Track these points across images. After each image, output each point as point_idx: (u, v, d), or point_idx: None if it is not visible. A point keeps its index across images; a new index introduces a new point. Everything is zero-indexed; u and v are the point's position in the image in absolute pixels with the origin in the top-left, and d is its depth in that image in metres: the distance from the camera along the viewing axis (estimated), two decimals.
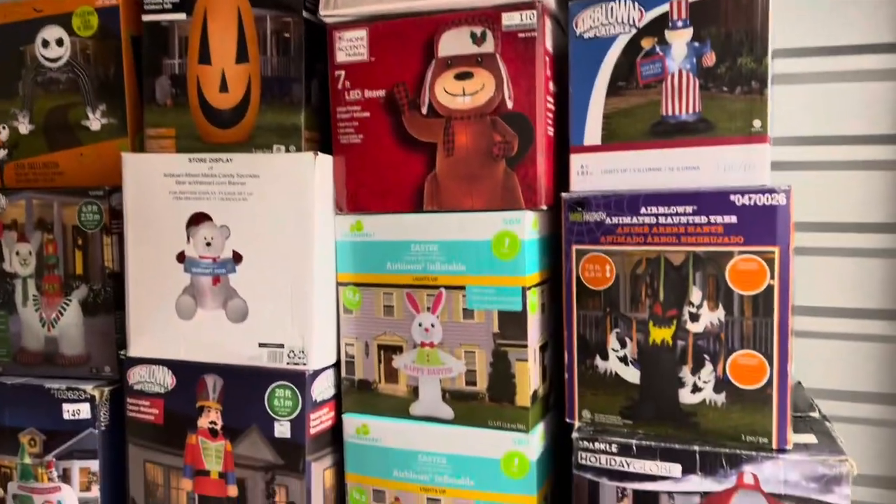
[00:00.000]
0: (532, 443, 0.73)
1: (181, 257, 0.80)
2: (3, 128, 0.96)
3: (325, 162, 0.78)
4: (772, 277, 0.64)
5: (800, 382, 0.84)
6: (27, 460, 0.85)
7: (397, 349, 0.78)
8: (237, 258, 0.79)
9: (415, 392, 0.78)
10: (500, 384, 0.74)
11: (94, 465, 0.84)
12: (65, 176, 0.94)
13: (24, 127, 0.95)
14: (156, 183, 0.81)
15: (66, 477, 0.85)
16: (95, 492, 0.85)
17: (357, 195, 0.79)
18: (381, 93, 0.77)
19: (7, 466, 0.86)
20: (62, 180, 0.94)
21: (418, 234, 0.76)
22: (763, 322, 0.64)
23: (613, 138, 0.71)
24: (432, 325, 0.76)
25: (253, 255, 0.78)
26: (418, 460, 0.77)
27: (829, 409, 0.80)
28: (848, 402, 0.90)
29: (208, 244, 0.79)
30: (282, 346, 0.78)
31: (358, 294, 0.80)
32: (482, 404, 0.75)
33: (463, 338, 0.75)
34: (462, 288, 0.75)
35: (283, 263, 0.77)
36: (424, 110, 0.75)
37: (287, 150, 0.81)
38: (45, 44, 0.93)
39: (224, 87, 0.83)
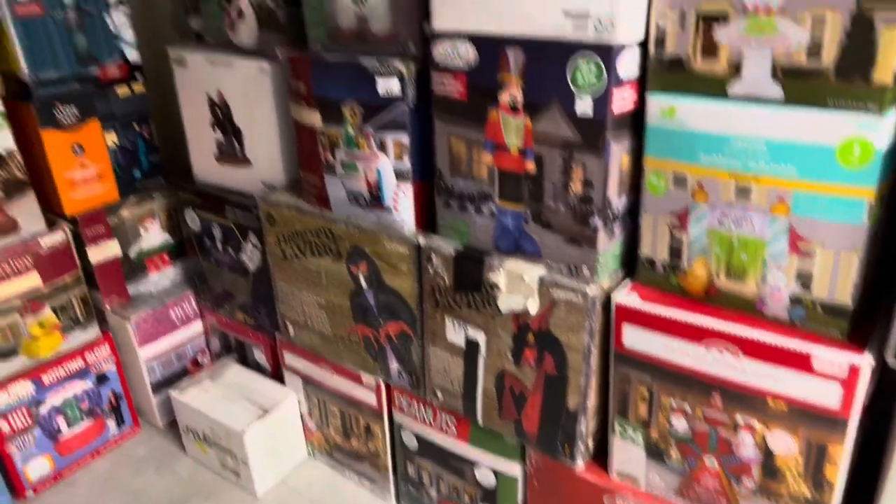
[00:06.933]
0: (882, 128, 0.62)
1: None
2: None
3: None
4: None
5: None
6: (350, 130, 0.96)
7: (721, 18, 0.68)
8: None
9: (736, 69, 0.69)
10: (854, 55, 0.62)
11: (405, 137, 0.92)
12: None
13: None
14: None
15: (382, 147, 0.94)
16: (407, 162, 0.93)
17: None
18: None
19: (335, 135, 0.98)
20: None
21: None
22: None
23: None
24: None
25: None
26: (731, 144, 0.71)
27: None
28: None
29: None
30: (587, 14, 0.72)
31: None
32: (824, 82, 0.64)
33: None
34: None
35: None
36: None
37: None
38: None
39: None
